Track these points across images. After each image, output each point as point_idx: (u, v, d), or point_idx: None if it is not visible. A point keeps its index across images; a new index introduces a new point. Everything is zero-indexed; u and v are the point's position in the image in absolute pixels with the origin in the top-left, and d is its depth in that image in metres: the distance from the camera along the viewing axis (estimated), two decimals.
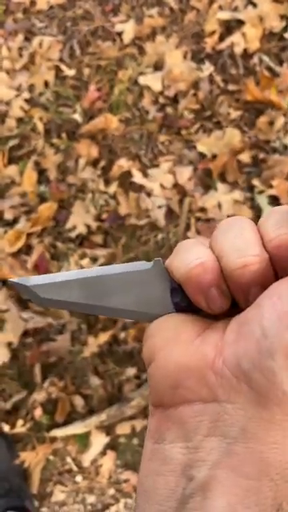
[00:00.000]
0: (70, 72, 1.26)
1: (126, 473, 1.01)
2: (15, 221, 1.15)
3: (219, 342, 0.22)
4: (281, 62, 1.21)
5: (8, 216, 1.15)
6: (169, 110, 1.20)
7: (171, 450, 0.22)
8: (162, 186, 1.14)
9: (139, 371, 1.04)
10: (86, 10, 1.31)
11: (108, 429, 1.02)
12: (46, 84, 1.26)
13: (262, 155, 1.15)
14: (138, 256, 1.11)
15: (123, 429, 1.01)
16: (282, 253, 0.22)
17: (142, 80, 1.22)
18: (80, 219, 1.13)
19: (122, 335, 1.06)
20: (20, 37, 1.30)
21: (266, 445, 0.20)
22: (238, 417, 0.21)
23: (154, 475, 0.22)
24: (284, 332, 0.20)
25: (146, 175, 1.16)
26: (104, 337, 1.05)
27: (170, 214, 1.12)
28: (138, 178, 1.15)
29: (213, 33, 1.24)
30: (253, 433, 0.20)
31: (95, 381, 1.04)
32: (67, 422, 1.03)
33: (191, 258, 0.23)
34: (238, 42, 1.22)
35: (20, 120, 1.23)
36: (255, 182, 1.12)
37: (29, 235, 1.13)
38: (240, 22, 1.23)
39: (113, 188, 1.15)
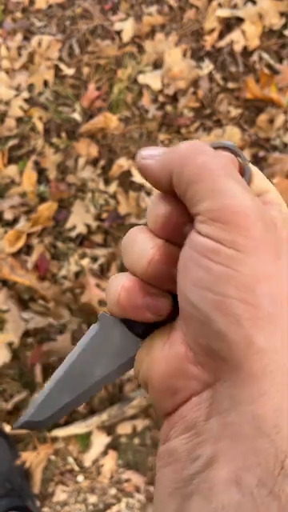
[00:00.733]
0: (69, 71, 1.25)
1: (128, 472, 1.01)
2: (15, 221, 1.15)
3: (183, 337, 0.24)
4: (281, 60, 1.20)
5: (8, 216, 1.15)
6: (168, 108, 1.20)
7: (176, 443, 0.23)
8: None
9: None
10: (85, 9, 1.31)
11: (109, 429, 1.02)
12: (46, 83, 1.25)
13: (262, 153, 1.14)
14: None
15: (124, 428, 1.01)
16: (167, 231, 0.25)
17: (141, 78, 1.22)
18: (80, 219, 1.13)
19: None
20: (19, 36, 1.29)
21: (255, 401, 0.21)
22: (225, 390, 0.22)
23: (162, 468, 0.23)
24: (204, 294, 0.21)
25: None
26: None
27: None
28: (137, 177, 1.14)
29: (212, 30, 1.24)
30: (240, 396, 0.21)
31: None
32: (68, 421, 1.03)
33: (113, 290, 0.26)
34: (237, 39, 1.22)
35: (19, 120, 1.23)
36: None
37: (29, 235, 1.13)
38: (239, 20, 1.23)
39: (112, 187, 1.14)
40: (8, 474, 1.00)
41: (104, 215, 1.13)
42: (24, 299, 1.10)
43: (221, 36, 1.24)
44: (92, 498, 1.02)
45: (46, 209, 1.14)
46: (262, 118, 1.16)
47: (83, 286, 1.08)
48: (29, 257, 1.11)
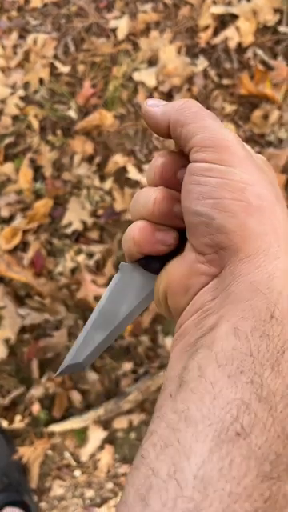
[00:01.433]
0: (64, 69, 1.26)
1: (124, 467, 1.02)
2: (11, 218, 1.16)
3: (190, 247, 0.29)
4: (275, 56, 1.21)
5: (4, 213, 1.15)
6: None
7: (187, 324, 0.27)
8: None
9: (136, 366, 1.05)
10: (80, 7, 1.31)
11: (105, 423, 1.03)
12: (41, 81, 1.26)
13: (256, 149, 1.15)
14: None
15: (120, 423, 1.02)
16: (165, 178, 0.31)
17: (136, 76, 1.23)
18: (76, 215, 1.13)
19: None
20: (14, 35, 1.30)
21: (252, 272, 0.25)
22: (227, 271, 0.26)
23: (174, 349, 0.27)
24: (205, 201, 0.27)
25: (141, 171, 1.16)
26: None
27: None
28: (133, 173, 1.15)
29: (207, 27, 1.24)
30: (239, 271, 0.26)
31: (92, 376, 1.05)
32: (65, 417, 1.03)
33: (128, 235, 0.31)
34: (231, 36, 1.22)
35: (15, 118, 1.24)
36: None
37: (25, 232, 1.13)
38: (234, 16, 1.23)
39: (108, 184, 1.15)
40: (5, 468, 1.01)
41: (100, 212, 1.14)
42: (20, 296, 1.10)
43: (215, 33, 1.24)
44: (89, 493, 1.02)
45: (42, 206, 1.15)
46: (257, 114, 1.16)
47: (79, 282, 1.09)
48: (25, 253, 1.12)
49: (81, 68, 1.26)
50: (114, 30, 1.28)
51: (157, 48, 1.24)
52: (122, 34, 1.27)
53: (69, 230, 1.13)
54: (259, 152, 1.14)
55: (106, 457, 1.02)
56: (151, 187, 0.32)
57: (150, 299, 0.32)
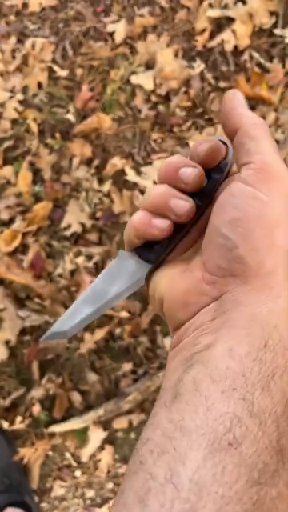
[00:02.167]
0: (62, 73, 1.27)
1: (124, 467, 1.03)
2: (11, 221, 1.16)
3: (201, 265, 0.30)
4: (271, 58, 1.22)
5: (4, 216, 1.16)
6: (161, 108, 1.22)
7: (185, 340, 0.29)
8: (155, 183, 1.15)
9: (135, 366, 1.05)
10: (77, 11, 1.33)
11: (105, 424, 1.03)
12: (40, 85, 1.27)
13: None
14: None
15: (120, 423, 1.03)
16: (168, 175, 0.33)
17: (133, 79, 1.24)
18: (75, 218, 1.14)
19: (118, 331, 1.07)
20: (13, 39, 1.31)
21: (253, 304, 0.27)
22: (231, 297, 0.28)
23: (169, 364, 0.29)
24: (236, 229, 0.28)
25: (139, 173, 1.17)
26: (100, 333, 1.06)
27: None
28: (131, 175, 1.16)
29: (203, 31, 1.25)
30: (242, 300, 0.28)
31: (92, 377, 1.05)
32: (65, 417, 1.04)
33: (130, 222, 0.34)
34: (228, 39, 1.23)
35: (14, 121, 1.25)
36: None
37: (24, 234, 1.14)
38: (230, 20, 1.24)
39: (107, 186, 1.16)
40: (6, 469, 1.01)
41: (98, 214, 1.15)
42: (20, 298, 1.11)
43: (212, 36, 1.25)
44: (89, 493, 1.03)
45: (42, 208, 1.16)
46: None
47: (79, 283, 1.10)
48: (25, 256, 1.13)
49: (79, 72, 1.27)
50: (111, 34, 1.29)
51: (154, 51, 1.25)
52: (119, 37, 1.28)
53: (68, 233, 1.14)
54: None
55: (107, 457, 1.03)
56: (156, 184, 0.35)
57: (140, 284, 0.35)
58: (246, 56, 1.23)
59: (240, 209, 0.29)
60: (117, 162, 1.18)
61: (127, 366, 1.04)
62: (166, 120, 1.21)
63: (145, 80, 1.23)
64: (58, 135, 1.22)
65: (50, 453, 1.05)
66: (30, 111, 1.24)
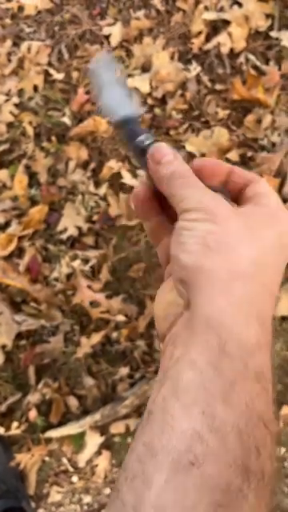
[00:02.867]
0: (58, 76, 1.27)
1: None
2: (7, 224, 1.16)
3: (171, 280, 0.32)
4: (267, 61, 1.22)
5: None
6: (157, 110, 1.21)
7: (166, 353, 0.30)
8: None
9: (132, 370, 1.05)
10: (73, 14, 1.32)
11: (102, 428, 1.03)
12: (35, 88, 1.27)
13: (250, 153, 1.15)
14: (129, 256, 1.12)
15: (117, 428, 1.02)
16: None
17: (130, 82, 1.23)
18: (71, 221, 1.14)
19: (115, 335, 1.06)
20: (8, 42, 1.31)
21: (205, 304, 0.28)
22: (191, 303, 0.29)
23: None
24: (177, 247, 0.30)
25: (135, 176, 1.17)
26: (97, 337, 1.05)
27: None
28: (127, 178, 1.16)
29: (199, 33, 1.25)
30: (195, 302, 0.28)
31: (89, 381, 1.05)
32: (62, 422, 1.03)
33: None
34: (224, 41, 1.23)
35: (10, 124, 1.24)
36: None
37: (20, 238, 1.14)
38: (226, 22, 1.24)
39: (103, 189, 1.16)
40: (3, 475, 1.01)
41: (95, 217, 1.14)
42: (16, 302, 1.10)
43: (208, 39, 1.25)
44: (86, 499, 1.02)
45: (37, 212, 1.15)
46: (250, 119, 1.17)
47: (75, 287, 1.09)
48: (21, 260, 1.12)
49: (75, 75, 1.27)
50: (107, 37, 1.29)
51: (150, 54, 1.25)
52: (115, 40, 1.28)
53: (64, 236, 1.13)
54: (252, 156, 1.15)
55: (104, 462, 1.02)
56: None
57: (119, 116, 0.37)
58: (241, 58, 1.22)
59: (180, 234, 0.31)
60: (113, 164, 1.17)
61: (124, 370, 1.03)
62: (162, 123, 1.20)
63: (141, 83, 1.23)
64: (53, 138, 1.21)
65: (47, 458, 1.04)
66: (26, 114, 1.24)
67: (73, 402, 1.04)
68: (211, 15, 1.25)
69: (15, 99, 1.26)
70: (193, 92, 1.22)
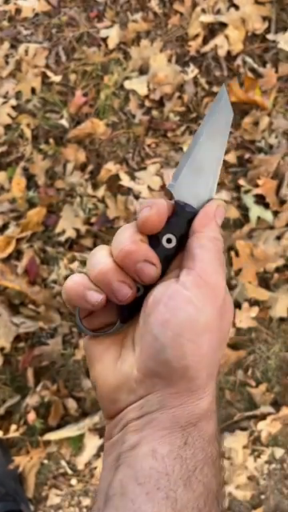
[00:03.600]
0: (56, 78, 1.27)
1: None
2: (5, 226, 1.16)
3: (132, 358, 0.31)
4: (264, 63, 1.22)
5: None
6: (155, 113, 1.22)
7: (115, 437, 0.31)
8: (149, 188, 1.15)
9: None
10: (70, 17, 1.33)
11: (101, 431, 1.03)
12: (33, 90, 1.27)
13: (247, 155, 1.16)
14: None
15: None
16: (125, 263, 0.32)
17: (127, 84, 1.24)
18: (69, 223, 1.14)
19: None
20: (6, 44, 1.31)
21: (176, 407, 0.29)
22: (156, 399, 0.29)
23: (105, 459, 0.31)
24: (166, 331, 0.29)
25: (133, 178, 1.17)
26: None
27: None
28: (125, 181, 1.16)
29: (196, 36, 1.25)
30: (166, 402, 0.29)
31: (88, 383, 1.05)
32: (60, 425, 1.03)
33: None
34: (221, 44, 1.24)
35: (8, 127, 1.24)
36: (241, 181, 1.13)
37: (18, 240, 1.14)
38: (223, 25, 1.25)
39: (101, 191, 1.16)
40: (2, 478, 1.00)
41: (93, 219, 1.15)
42: (15, 304, 1.10)
43: (205, 41, 1.25)
44: (85, 501, 1.02)
45: (36, 214, 1.15)
46: (247, 121, 1.18)
47: None
48: (19, 262, 1.12)
49: (72, 77, 1.27)
50: (104, 39, 1.29)
51: (147, 56, 1.25)
52: (112, 43, 1.28)
53: (62, 238, 1.13)
54: (249, 158, 1.15)
55: None
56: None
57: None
58: (239, 61, 1.23)
59: (173, 311, 0.29)
60: (111, 167, 1.17)
61: None
62: (159, 125, 1.21)
63: (138, 85, 1.23)
64: (51, 140, 1.22)
65: (46, 461, 1.04)
66: (24, 116, 1.24)
67: (71, 404, 1.04)
68: (208, 18, 1.25)
69: (13, 101, 1.26)
70: (190, 94, 1.22)
